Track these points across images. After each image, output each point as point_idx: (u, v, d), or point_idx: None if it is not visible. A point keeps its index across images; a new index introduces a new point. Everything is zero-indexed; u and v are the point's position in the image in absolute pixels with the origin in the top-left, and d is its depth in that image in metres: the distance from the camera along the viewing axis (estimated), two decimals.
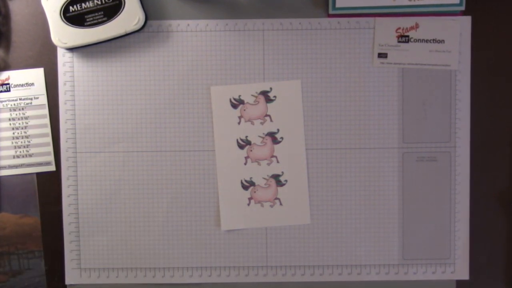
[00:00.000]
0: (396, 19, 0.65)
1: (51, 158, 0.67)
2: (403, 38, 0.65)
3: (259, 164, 0.67)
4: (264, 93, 0.66)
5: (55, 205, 0.67)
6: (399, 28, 0.65)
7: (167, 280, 0.68)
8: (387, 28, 0.65)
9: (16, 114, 0.67)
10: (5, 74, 0.67)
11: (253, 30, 0.66)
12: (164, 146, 0.67)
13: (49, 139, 0.67)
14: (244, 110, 0.66)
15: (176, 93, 0.66)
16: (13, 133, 0.67)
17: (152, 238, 0.67)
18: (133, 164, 0.67)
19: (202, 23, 0.66)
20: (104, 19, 0.63)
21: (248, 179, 0.67)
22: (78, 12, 0.63)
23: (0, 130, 0.67)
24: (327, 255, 0.67)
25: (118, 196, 0.67)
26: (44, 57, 0.67)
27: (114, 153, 0.67)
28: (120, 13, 0.63)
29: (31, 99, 0.67)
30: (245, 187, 0.67)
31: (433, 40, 0.65)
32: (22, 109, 0.67)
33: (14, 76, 0.67)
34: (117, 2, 0.63)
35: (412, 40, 0.65)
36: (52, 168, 0.67)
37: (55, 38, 0.64)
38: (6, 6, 0.66)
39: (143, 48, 0.66)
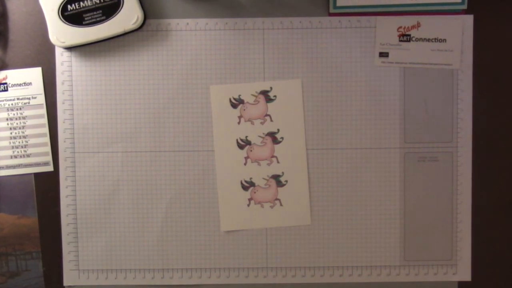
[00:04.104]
0: (397, 18, 0.65)
1: (49, 158, 0.67)
2: (405, 37, 0.65)
3: (259, 164, 0.66)
4: (264, 93, 0.66)
5: (53, 205, 0.67)
6: (400, 27, 0.65)
7: (166, 281, 0.67)
8: (389, 27, 0.65)
9: (14, 114, 0.67)
10: (3, 74, 0.66)
11: (253, 29, 0.65)
12: (163, 146, 0.66)
13: (47, 139, 0.67)
14: (244, 109, 0.66)
15: (175, 93, 0.66)
16: (11, 133, 0.67)
17: (151, 239, 0.67)
18: (132, 164, 0.66)
19: (201, 22, 0.65)
20: (103, 18, 0.63)
21: (248, 179, 0.66)
22: (76, 11, 0.63)
23: None
24: (327, 256, 0.67)
25: (117, 196, 0.67)
26: (42, 56, 0.66)
27: (112, 153, 0.67)
28: (118, 12, 0.63)
29: (29, 98, 0.66)
30: (245, 188, 0.66)
31: (435, 39, 0.65)
32: (20, 109, 0.67)
33: (11, 75, 0.66)
34: (116, 0, 0.63)
35: (413, 39, 0.65)
36: (50, 168, 0.67)
37: (53, 37, 0.63)
38: (3, 5, 0.66)
39: (142, 47, 0.66)
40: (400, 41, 0.65)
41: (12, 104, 0.67)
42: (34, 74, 0.66)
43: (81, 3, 0.63)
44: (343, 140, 0.66)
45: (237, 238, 0.67)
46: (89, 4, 0.63)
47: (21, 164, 0.67)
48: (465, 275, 0.67)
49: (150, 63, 0.66)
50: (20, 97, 0.66)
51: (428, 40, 0.65)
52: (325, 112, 0.66)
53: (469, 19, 0.65)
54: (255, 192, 0.66)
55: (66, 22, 0.63)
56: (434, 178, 0.66)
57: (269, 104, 0.66)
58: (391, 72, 0.65)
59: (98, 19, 0.63)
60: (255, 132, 0.66)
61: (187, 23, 0.66)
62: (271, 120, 0.66)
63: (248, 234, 0.67)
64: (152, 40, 0.66)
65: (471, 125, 0.66)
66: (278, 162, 0.66)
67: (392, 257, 0.67)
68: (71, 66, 0.66)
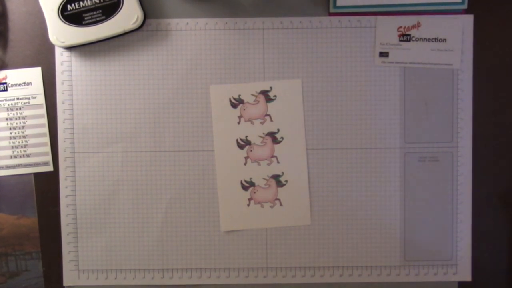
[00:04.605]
0: (397, 17, 0.64)
1: (48, 158, 0.67)
2: (405, 37, 0.65)
3: (259, 164, 0.66)
4: (264, 93, 0.66)
5: (53, 205, 0.67)
6: (400, 27, 0.65)
7: (166, 281, 0.67)
8: (389, 26, 0.65)
9: (14, 114, 0.67)
10: (2, 73, 0.66)
11: (253, 29, 0.65)
12: (163, 146, 0.66)
13: (46, 139, 0.67)
14: (244, 109, 0.66)
15: (175, 93, 0.66)
16: (11, 133, 0.67)
17: (151, 239, 0.67)
18: (131, 164, 0.66)
19: (201, 21, 0.65)
20: (102, 17, 0.63)
21: (248, 179, 0.66)
22: (76, 10, 0.63)
23: None
24: (327, 256, 0.67)
25: (117, 196, 0.67)
26: (42, 56, 0.66)
27: (112, 153, 0.66)
28: (118, 12, 0.63)
29: (29, 98, 0.66)
30: (245, 188, 0.66)
31: (435, 39, 0.64)
32: (20, 108, 0.67)
33: (11, 75, 0.66)
34: (116, 0, 0.62)
35: (413, 39, 0.65)
36: (50, 168, 0.67)
37: (52, 37, 0.63)
38: (3, 5, 0.66)
39: (142, 47, 0.65)
40: (400, 41, 0.65)
41: (11, 104, 0.67)
42: (34, 74, 0.66)
43: (81, 3, 0.62)
44: (343, 140, 0.66)
45: (237, 238, 0.67)
46: (89, 4, 0.62)
47: (21, 164, 0.67)
48: (465, 275, 0.67)
49: (150, 63, 0.66)
50: (20, 97, 0.66)
51: (428, 40, 0.64)
52: (325, 112, 0.66)
53: (469, 18, 0.65)
54: (255, 192, 0.66)
55: (66, 22, 0.63)
56: (434, 178, 0.66)
57: (269, 104, 0.66)
58: (391, 72, 0.65)
59: (98, 19, 0.63)
60: (255, 132, 0.66)
61: (187, 23, 0.65)
62: (271, 120, 0.66)
63: (248, 234, 0.67)
64: (152, 40, 0.65)
65: (471, 125, 0.66)
66: (278, 162, 0.66)
67: (392, 257, 0.67)
68: (71, 66, 0.66)
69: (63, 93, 0.66)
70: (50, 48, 0.66)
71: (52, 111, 0.66)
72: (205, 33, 0.65)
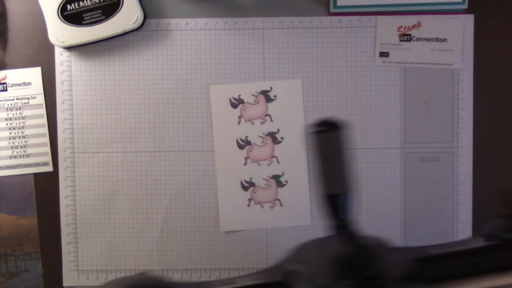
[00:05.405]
0: (398, 17, 0.64)
1: (48, 158, 0.67)
2: (405, 36, 0.65)
3: (259, 164, 0.66)
4: (264, 93, 0.66)
5: (53, 206, 0.67)
6: (401, 27, 0.65)
7: None
8: (389, 26, 0.65)
9: (13, 114, 0.67)
10: (2, 73, 0.66)
11: (253, 29, 0.65)
12: (162, 146, 0.66)
13: (46, 139, 0.67)
14: (244, 109, 0.66)
15: (175, 93, 0.66)
16: (10, 133, 0.67)
17: (150, 239, 0.67)
18: (131, 164, 0.66)
19: (201, 21, 0.65)
20: (102, 17, 0.63)
21: (248, 179, 0.66)
22: (76, 10, 0.63)
23: None
24: None
25: (117, 197, 0.67)
26: (41, 56, 0.66)
27: (112, 154, 0.66)
28: (118, 12, 0.63)
29: (28, 98, 0.66)
30: (245, 188, 0.66)
31: (436, 39, 0.64)
32: (19, 108, 0.66)
33: (10, 75, 0.66)
34: (115, 0, 0.62)
35: (414, 38, 0.64)
36: (50, 168, 0.67)
37: (52, 37, 0.63)
38: (3, 5, 0.65)
39: (142, 47, 0.65)
40: (401, 40, 0.65)
41: (11, 104, 0.66)
42: (34, 74, 0.66)
43: (81, 2, 0.62)
44: None
45: (237, 239, 0.67)
46: (89, 3, 0.62)
47: (21, 164, 0.67)
48: None
49: (150, 63, 0.66)
50: (20, 97, 0.66)
51: (429, 39, 0.64)
52: (325, 112, 0.66)
53: (469, 18, 0.64)
54: (255, 192, 0.66)
55: (66, 22, 0.63)
56: (434, 178, 0.66)
57: (269, 104, 0.66)
58: (391, 72, 0.65)
59: (97, 18, 0.63)
60: (255, 132, 0.66)
61: (187, 23, 0.65)
62: (271, 120, 0.66)
63: (248, 235, 0.67)
64: (152, 40, 0.65)
65: (471, 125, 0.65)
66: (278, 162, 0.66)
67: None
68: (70, 66, 0.66)
69: (62, 93, 0.66)
70: (50, 48, 0.66)
71: (52, 111, 0.66)
72: (205, 33, 0.65)
